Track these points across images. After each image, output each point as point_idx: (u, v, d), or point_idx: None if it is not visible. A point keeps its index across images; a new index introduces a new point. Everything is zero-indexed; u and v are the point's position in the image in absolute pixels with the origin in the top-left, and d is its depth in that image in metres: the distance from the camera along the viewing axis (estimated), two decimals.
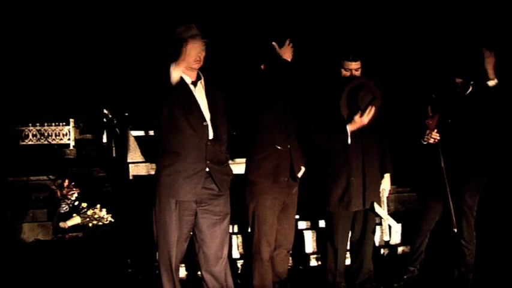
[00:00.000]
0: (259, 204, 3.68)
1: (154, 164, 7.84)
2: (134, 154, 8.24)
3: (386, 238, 4.22)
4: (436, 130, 4.02)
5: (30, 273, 4.99)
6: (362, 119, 3.72)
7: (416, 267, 4.34)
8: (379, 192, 4.05)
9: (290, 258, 4.46)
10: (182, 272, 4.55)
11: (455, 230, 4.00)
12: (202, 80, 3.43)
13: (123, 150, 8.73)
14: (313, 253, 5.13)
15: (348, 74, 3.88)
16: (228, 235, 3.51)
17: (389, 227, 4.19)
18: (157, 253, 3.42)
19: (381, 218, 4.14)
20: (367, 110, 3.70)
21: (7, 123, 14.16)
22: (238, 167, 3.75)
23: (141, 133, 9.64)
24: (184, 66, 3.24)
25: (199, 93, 3.38)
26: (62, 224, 6.92)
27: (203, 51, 3.33)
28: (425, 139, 4.07)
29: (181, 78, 3.29)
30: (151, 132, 9.54)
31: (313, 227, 5.28)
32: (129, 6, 16.69)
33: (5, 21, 15.76)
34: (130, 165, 8.00)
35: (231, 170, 3.51)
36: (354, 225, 4.05)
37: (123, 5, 16.74)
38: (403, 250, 5.29)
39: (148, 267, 4.73)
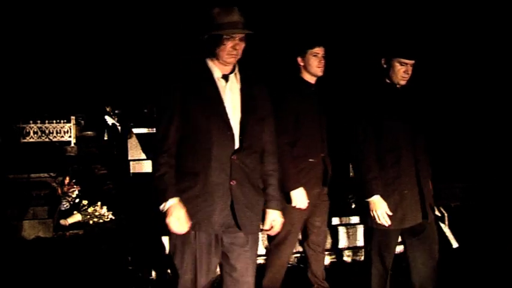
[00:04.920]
0: (287, 206, 3.52)
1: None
2: (135, 151, 8.22)
3: (455, 245, 3.89)
4: None
5: (31, 271, 4.98)
6: None
7: None
8: (432, 200, 3.51)
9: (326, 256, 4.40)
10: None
11: None
12: (237, 72, 2.66)
13: (124, 147, 8.72)
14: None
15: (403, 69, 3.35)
16: None
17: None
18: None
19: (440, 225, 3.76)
20: None
21: (8, 120, 14.17)
22: None
23: (142, 130, 9.62)
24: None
25: (231, 91, 2.61)
26: (62, 222, 6.93)
27: (242, 42, 2.57)
28: None
29: (209, 71, 2.61)
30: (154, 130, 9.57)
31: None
32: (129, 4, 16.67)
33: (5, 20, 15.75)
34: (131, 162, 7.98)
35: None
36: (411, 235, 3.45)
37: (123, 3, 16.72)
38: (404, 249, 5.28)
39: (149, 265, 4.72)
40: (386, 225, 3.19)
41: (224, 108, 2.56)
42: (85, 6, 17.04)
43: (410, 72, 3.33)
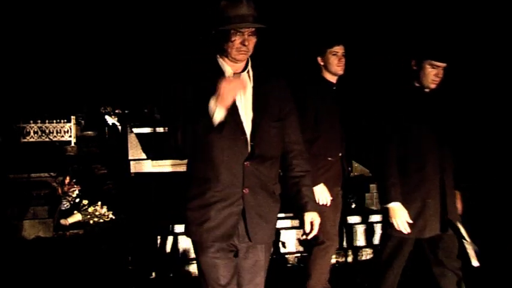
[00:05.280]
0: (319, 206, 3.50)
1: (155, 161, 7.90)
2: (135, 151, 8.24)
3: (475, 264, 3.45)
4: None
5: (31, 270, 4.98)
6: None
7: None
8: (457, 213, 3.37)
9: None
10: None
11: None
12: (250, 70, 2.42)
13: (124, 147, 8.74)
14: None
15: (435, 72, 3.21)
16: None
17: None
18: None
19: (462, 241, 3.46)
20: None
21: (8, 120, 14.18)
22: None
23: (145, 130, 9.60)
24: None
25: (244, 91, 2.34)
26: (62, 221, 6.93)
27: (252, 37, 2.32)
28: None
29: (219, 69, 2.39)
30: (157, 129, 9.53)
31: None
32: (130, 4, 16.67)
33: (5, 20, 15.76)
34: (131, 162, 8.00)
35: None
36: (434, 250, 3.32)
37: (123, 3, 16.73)
38: None
39: (149, 265, 4.72)
40: (405, 233, 3.11)
41: (237, 109, 2.32)
42: (85, 7, 17.05)
43: (441, 75, 3.18)
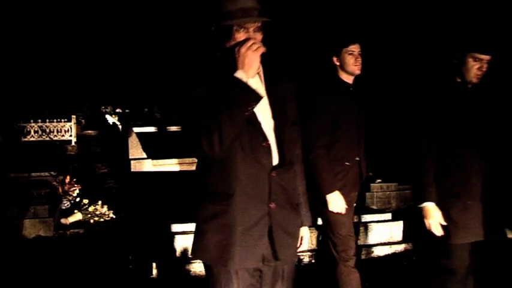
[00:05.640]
0: (334, 214, 3.42)
1: (155, 161, 7.90)
2: (136, 151, 8.25)
3: None
4: None
5: (31, 270, 4.99)
6: None
7: None
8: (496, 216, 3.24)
9: None
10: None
11: None
12: (261, 69, 2.13)
13: (125, 146, 8.74)
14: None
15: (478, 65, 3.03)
16: None
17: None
18: None
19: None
20: None
21: (9, 119, 14.20)
22: None
23: (145, 129, 9.59)
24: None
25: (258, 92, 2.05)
26: (63, 221, 6.94)
27: (258, 33, 2.05)
28: None
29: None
30: (157, 129, 9.55)
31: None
32: (130, 4, 16.67)
33: (6, 20, 15.77)
34: (131, 161, 8.00)
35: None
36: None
37: (123, 3, 16.73)
38: (404, 247, 5.30)
39: (149, 264, 4.73)
40: (438, 234, 2.96)
41: (254, 114, 2.04)
42: (85, 7, 17.06)
43: (485, 69, 2.98)
